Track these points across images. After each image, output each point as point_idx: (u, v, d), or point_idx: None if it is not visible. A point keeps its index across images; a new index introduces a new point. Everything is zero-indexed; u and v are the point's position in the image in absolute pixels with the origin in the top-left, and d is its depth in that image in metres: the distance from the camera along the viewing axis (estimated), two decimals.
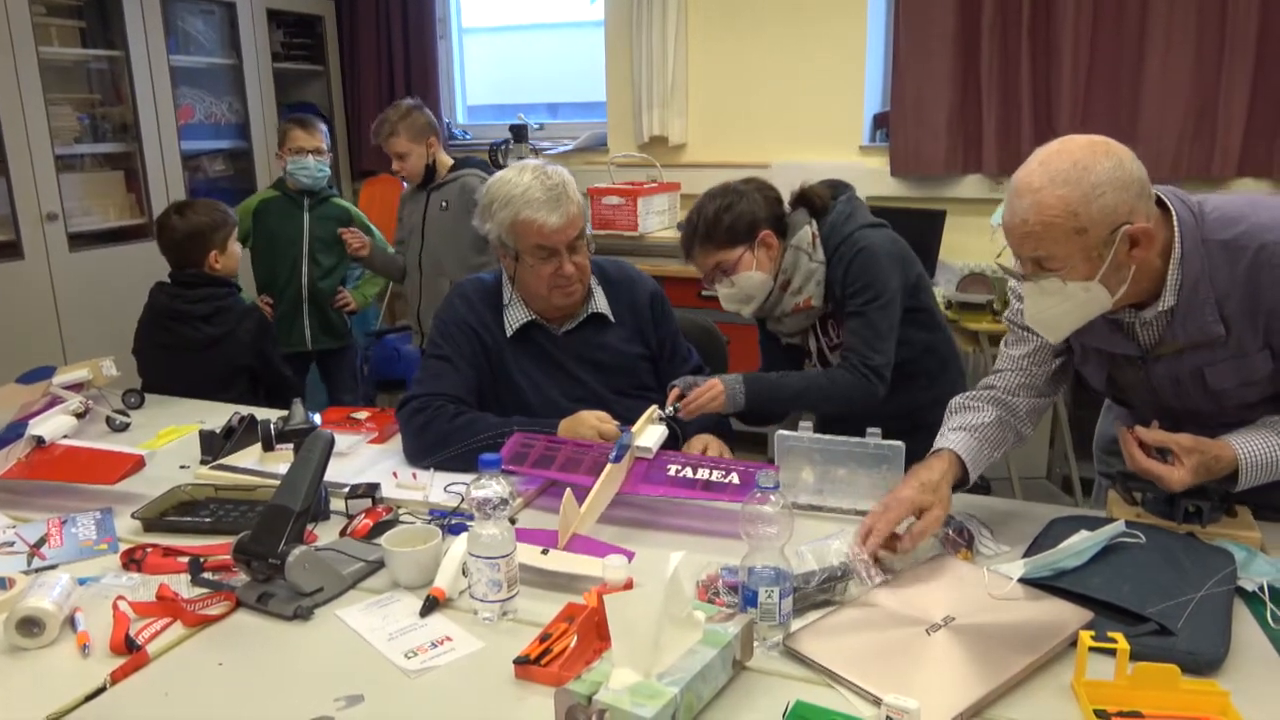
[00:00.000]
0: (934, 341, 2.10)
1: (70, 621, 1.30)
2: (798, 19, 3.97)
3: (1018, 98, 3.60)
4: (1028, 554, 1.42)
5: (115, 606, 1.31)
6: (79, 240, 3.87)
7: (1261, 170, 3.35)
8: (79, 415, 2.10)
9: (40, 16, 3.68)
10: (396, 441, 2.00)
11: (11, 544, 1.57)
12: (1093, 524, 1.43)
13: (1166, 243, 1.38)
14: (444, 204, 3.25)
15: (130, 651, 1.23)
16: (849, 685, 1.14)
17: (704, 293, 2.11)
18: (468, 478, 1.59)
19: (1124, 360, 1.53)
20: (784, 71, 4.04)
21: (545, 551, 1.43)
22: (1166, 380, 1.50)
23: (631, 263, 2.20)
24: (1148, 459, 1.42)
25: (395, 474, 1.81)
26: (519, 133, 4.35)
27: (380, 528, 1.57)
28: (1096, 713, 1.07)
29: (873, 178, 3.83)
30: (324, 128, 3.34)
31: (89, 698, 1.16)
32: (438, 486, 1.75)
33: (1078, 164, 1.31)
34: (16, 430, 1.92)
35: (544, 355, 1.99)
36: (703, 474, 1.64)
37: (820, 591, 1.32)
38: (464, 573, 1.36)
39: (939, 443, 1.56)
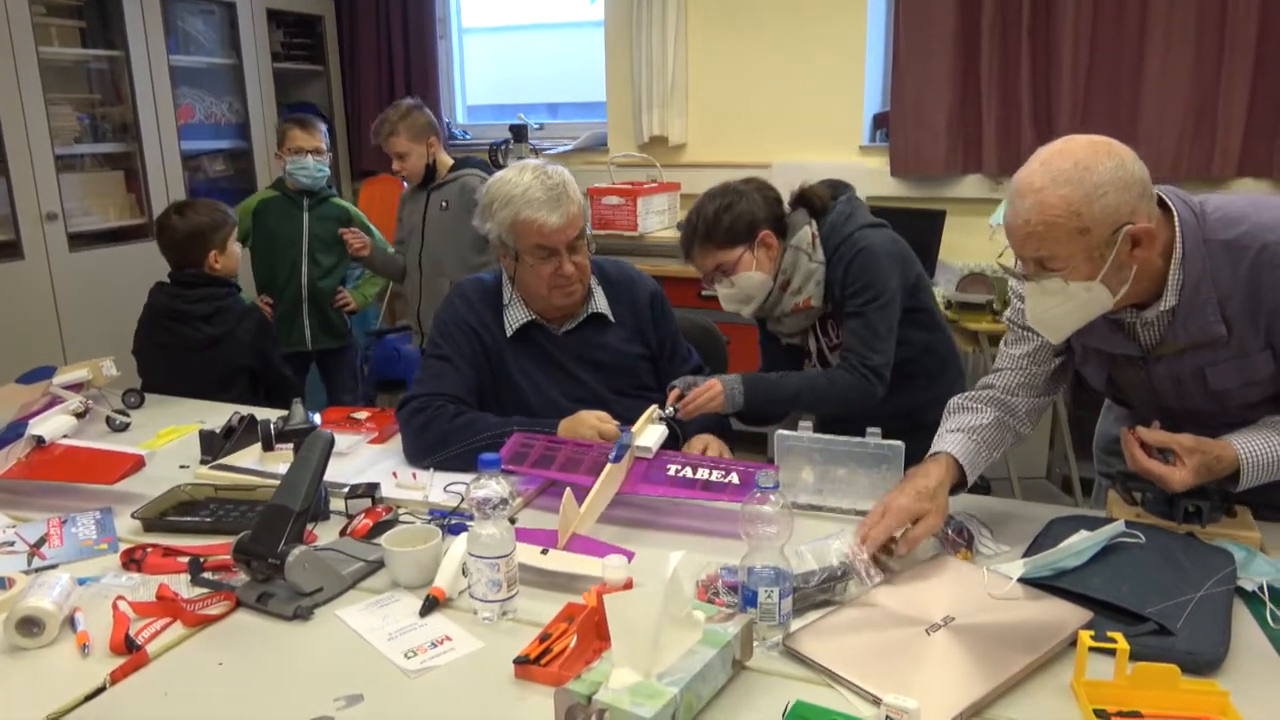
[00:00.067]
0: (934, 341, 2.10)
1: (70, 621, 1.30)
2: (798, 19, 3.97)
3: (1018, 98, 3.60)
4: (1027, 554, 1.42)
5: (115, 606, 1.31)
6: (79, 240, 3.87)
7: (1261, 170, 3.35)
8: (79, 415, 2.10)
9: (40, 16, 3.68)
10: (396, 441, 2.00)
11: (11, 544, 1.57)
12: (1092, 524, 1.43)
13: (1168, 243, 1.38)
14: (444, 204, 3.25)
15: (130, 651, 1.23)
16: (849, 685, 1.14)
17: (704, 293, 2.11)
18: (467, 478, 1.59)
19: (1125, 360, 1.53)
20: (784, 71, 4.04)
21: (545, 551, 1.43)
22: (1167, 380, 1.50)
23: (631, 263, 2.20)
24: (1149, 459, 1.42)
25: (395, 474, 1.81)
26: (519, 133, 4.35)
27: (380, 527, 1.57)
28: (1096, 712, 1.07)
29: (873, 178, 3.83)
30: (323, 128, 3.34)
31: (89, 697, 1.16)
32: (437, 486, 1.75)
33: (1080, 164, 1.31)
34: (16, 430, 1.92)
35: (544, 355, 1.99)
36: (702, 474, 1.64)
37: (820, 591, 1.32)
38: (464, 572, 1.36)
39: (936, 445, 1.56)
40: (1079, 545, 1.35)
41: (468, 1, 4.95)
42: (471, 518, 1.32)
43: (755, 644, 1.20)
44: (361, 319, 3.98)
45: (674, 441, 1.87)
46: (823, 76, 3.98)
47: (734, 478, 1.61)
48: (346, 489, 1.69)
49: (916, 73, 3.74)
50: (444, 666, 1.21)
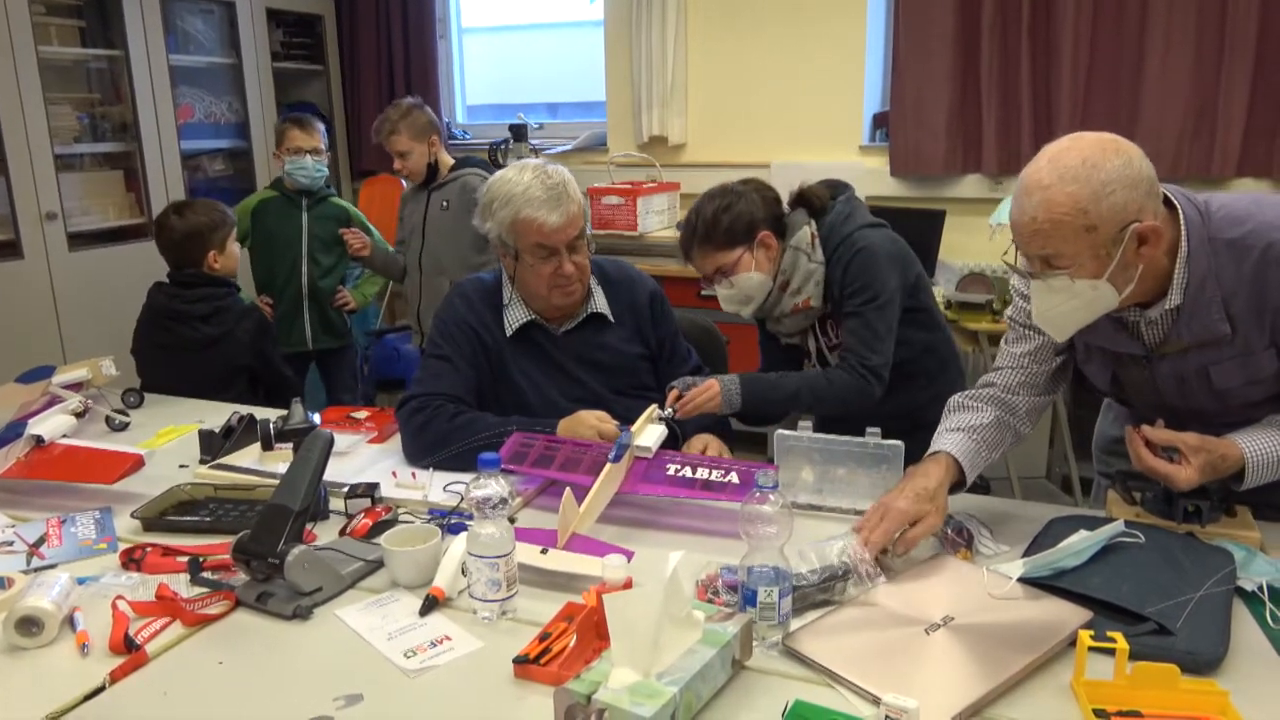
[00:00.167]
0: (933, 341, 2.10)
1: (69, 621, 1.30)
2: (798, 19, 3.97)
3: (1018, 98, 3.60)
4: (1027, 554, 1.42)
5: (114, 606, 1.31)
6: (78, 240, 3.87)
7: (1261, 170, 3.35)
8: (78, 415, 2.10)
9: (40, 16, 3.68)
10: (396, 441, 2.00)
11: (11, 543, 1.57)
12: (1092, 524, 1.43)
13: (1173, 241, 1.38)
14: (444, 203, 3.25)
15: (129, 651, 1.23)
16: (848, 685, 1.14)
17: (704, 292, 2.11)
18: (467, 477, 1.59)
19: (1128, 359, 1.53)
20: (784, 71, 4.04)
21: (544, 551, 1.43)
22: (1171, 379, 1.50)
23: (631, 262, 2.20)
24: (1155, 458, 1.42)
25: (394, 473, 1.81)
26: (519, 132, 4.35)
27: (379, 527, 1.57)
28: (1096, 712, 1.07)
29: (872, 178, 3.83)
30: (321, 127, 3.34)
31: (88, 697, 1.15)
32: (437, 486, 1.75)
33: (1087, 161, 1.30)
34: (16, 430, 1.92)
35: (543, 355, 1.99)
36: (702, 474, 1.64)
37: (820, 591, 1.32)
38: (463, 572, 1.36)
39: (936, 444, 1.56)
40: (1078, 545, 1.35)
41: (468, 1, 4.95)
42: (471, 517, 1.32)
43: (755, 643, 1.20)
44: (361, 319, 3.98)
45: (673, 441, 1.87)
46: (823, 76, 3.98)
47: (734, 477, 1.61)
48: (346, 488, 1.69)
49: (916, 73, 3.74)
50: (443, 666, 1.21)
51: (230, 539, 1.40)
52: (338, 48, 4.97)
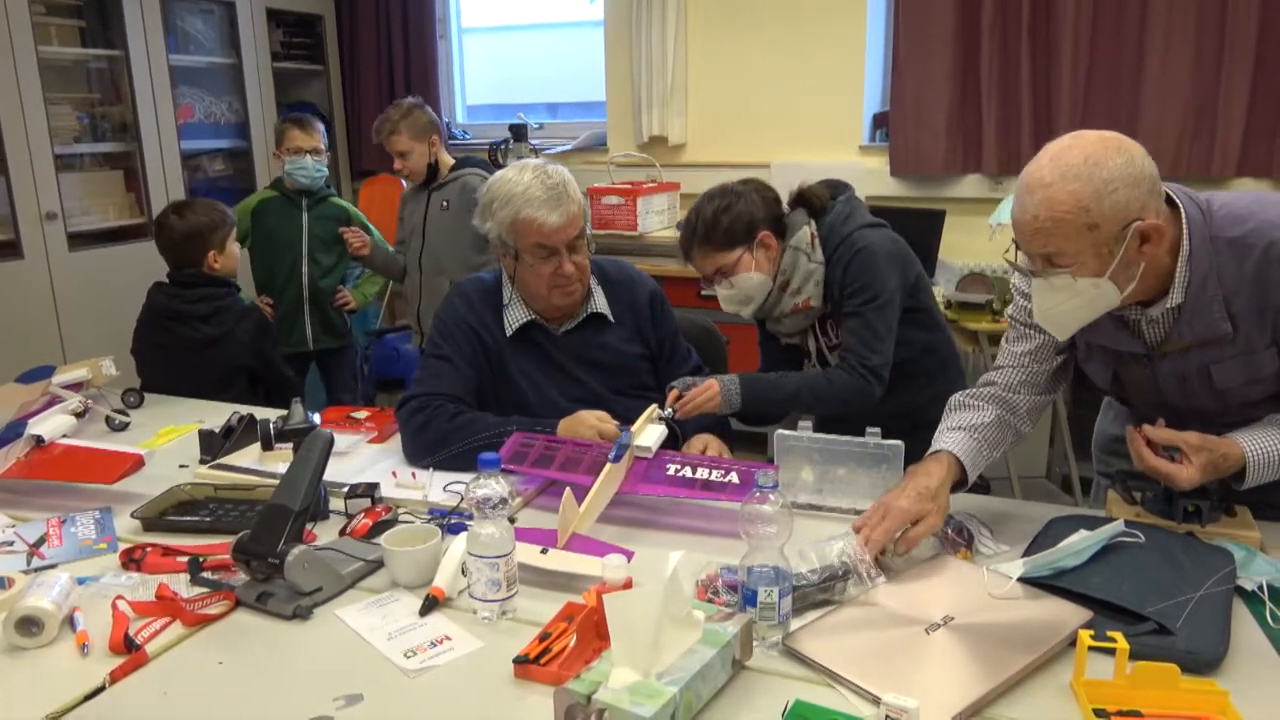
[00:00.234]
0: (933, 341, 2.10)
1: (69, 621, 1.30)
2: (798, 19, 3.97)
3: (1018, 98, 3.60)
4: (1027, 553, 1.42)
5: (114, 606, 1.31)
6: (78, 240, 3.87)
7: (1261, 170, 3.35)
8: (78, 415, 2.10)
9: (40, 16, 3.68)
10: (396, 441, 2.00)
11: (11, 543, 1.57)
12: (1092, 523, 1.42)
13: (1175, 240, 1.38)
14: (445, 203, 3.25)
15: (129, 651, 1.23)
16: (848, 685, 1.14)
17: (704, 292, 2.11)
18: (467, 477, 1.59)
19: (1130, 358, 1.52)
20: (784, 71, 4.04)
21: (544, 551, 1.43)
22: (1172, 378, 1.50)
23: (631, 262, 2.20)
24: (1156, 458, 1.42)
25: (394, 473, 1.81)
26: (519, 132, 4.35)
27: (379, 527, 1.57)
28: (1096, 712, 1.07)
29: (872, 178, 3.83)
30: (321, 127, 3.34)
31: (88, 697, 1.16)
32: (437, 486, 1.75)
33: (1090, 159, 1.30)
34: (16, 430, 1.92)
35: (543, 355, 1.99)
36: (702, 473, 1.64)
37: (820, 591, 1.32)
38: (463, 572, 1.36)
39: (938, 442, 1.56)
40: (1079, 545, 1.35)
41: (468, 1, 4.95)
42: (471, 517, 1.32)
43: (755, 643, 1.20)
44: (361, 318, 3.98)
45: (673, 441, 1.87)
46: (823, 76, 3.98)
47: (734, 477, 1.61)
48: (346, 488, 1.69)
49: (916, 73, 3.74)
50: (443, 666, 1.21)
51: (230, 539, 1.40)
52: (338, 48, 4.97)
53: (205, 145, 4.47)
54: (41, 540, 1.57)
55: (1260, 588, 1.31)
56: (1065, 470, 3.45)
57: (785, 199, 2.08)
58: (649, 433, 1.74)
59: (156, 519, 1.65)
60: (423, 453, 1.86)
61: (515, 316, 1.98)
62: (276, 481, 1.46)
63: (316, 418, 1.95)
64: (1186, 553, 1.37)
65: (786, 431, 1.72)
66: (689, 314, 2.38)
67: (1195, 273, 1.38)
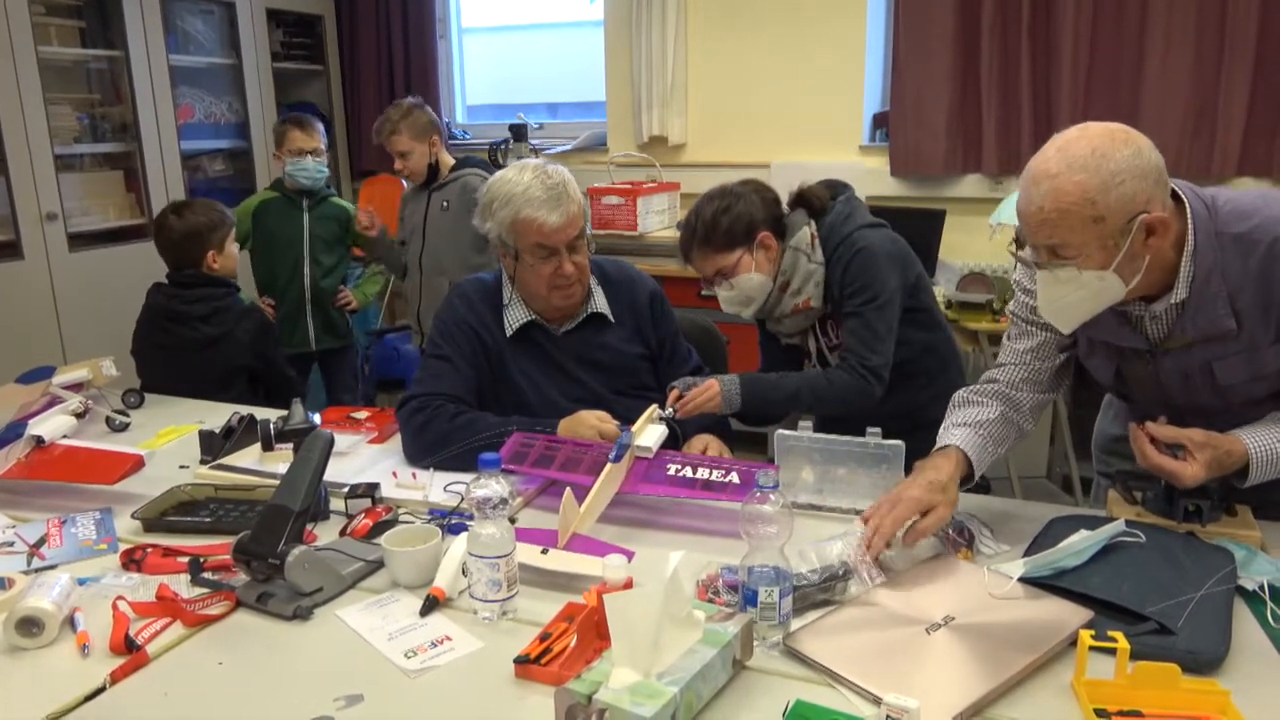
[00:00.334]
0: (934, 341, 2.10)
1: (70, 621, 1.30)
2: (798, 19, 3.97)
3: (1018, 98, 3.60)
4: (1028, 553, 1.41)
5: (115, 606, 1.31)
6: (79, 240, 3.87)
7: (1261, 170, 3.35)
8: (79, 415, 2.10)
9: (40, 16, 3.68)
10: (396, 441, 1.99)
11: (11, 544, 1.57)
12: (1093, 523, 1.42)
13: (1180, 235, 1.37)
14: (445, 204, 3.25)
15: (130, 651, 1.23)
16: (849, 685, 1.14)
17: (704, 292, 2.11)
18: (467, 477, 1.59)
19: (1132, 354, 1.52)
20: (784, 71, 4.04)
21: (545, 551, 1.43)
22: (1175, 375, 1.50)
23: (631, 262, 2.20)
24: (1160, 455, 1.42)
25: (395, 474, 1.81)
26: (519, 132, 4.35)
27: (380, 527, 1.57)
28: (1097, 712, 1.07)
29: (872, 178, 3.83)
30: (321, 127, 3.34)
31: (89, 698, 1.15)
32: (437, 486, 1.75)
33: (1096, 151, 1.29)
34: (16, 430, 1.92)
35: (544, 355, 1.99)
36: (702, 473, 1.64)
37: (820, 591, 1.32)
38: (464, 572, 1.36)
39: (944, 438, 1.56)
40: (1079, 544, 1.35)
41: (468, 1, 4.95)
42: (471, 517, 1.32)
43: (755, 643, 1.20)
44: (362, 319, 3.98)
45: (674, 441, 1.87)
46: (823, 76, 3.98)
47: (734, 477, 1.61)
48: (346, 489, 1.69)
49: (916, 72, 3.74)
50: (444, 666, 1.21)
51: (231, 539, 1.40)
52: (338, 48, 4.97)
53: (205, 145, 4.47)
54: (42, 541, 1.57)
55: (1261, 587, 1.31)
56: (1066, 470, 3.45)
57: (785, 199, 2.08)
58: (649, 433, 1.74)
59: (157, 519, 1.65)
60: (423, 453, 1.86)
61: (515, 316, 1.98)
62: (277, 482, 1.46)
63: (317, 418, 1.95)
64: (1187, 552, 1.37)
65: (787, 431, 1.72)
66: (689, 314, 2.38)
67: (1200, 268, 1.37)
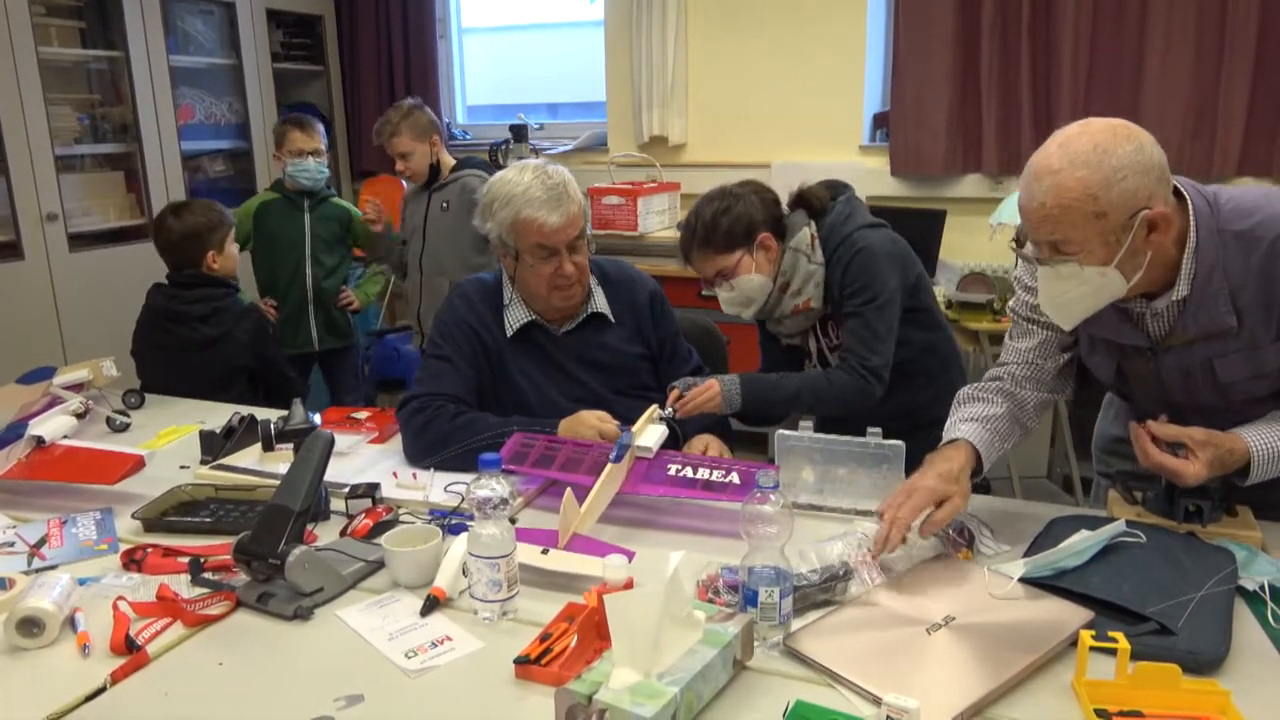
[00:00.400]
0: (934, 341, 2.09)
1: (70, 622, 1.30)
2: (798, 19, 3.97)
3: (1018, 98, 3.60)
4: (1028, 553, 1.41)
5: (115, 607, 1.31)
6: (79, 240, 3.87)
7: (1261, 169, 3.35)
8: (79, 415, 2.10)
9: (40, 17, 3.68)
10: (396, 441, 1.99)
11: (11, 544, 1.57)
12: (1093, 523, 1.42)
13: (1182, 231, 1.37)
14: (445, 204, 3.25)
15: (130, 651, 1.23)
16: (849, 685, 1.14)
17: (704, 293, 2.11)
18: (468, 478, 1.59)
19: (1133, 351, 1.52)
20: (784, 71, 4.04)
21: (545, 551, 1.43)
22: (1175, 372, 1.49)
23: (631, 263, 2.20)
24: (1162, 454, 1.42)
25: (395, 474, 1.81)
26: (519, 133, 4.35)
27: (380, 528, 1.57)
28: (1097, 712, 1.07)
29: (873, 178, 3.83)
30: (321, 128, 3.34)
31: (89, 698, 1.16)
32: (438, 486, 1.75)
33: (1098, 147, 1.29)
34: (16, 430, 1.92)
35: (544, 355, 1.99)
36: (703, 474, 1.64)
37: (821, 591, 1.32)
38: (464, 572, 1.36)
39: (952, 433, 1.55)
40: (1080, 545, 1.35)
41: (468, 1, 4.95)
42: (472, 518, 1.32)
43: (756, 644, 1.20)
44: (362, 319, 3.98)
45: (674, 442, 1.87)
46: (823, 76, 3.98)
47: (734, 477, 1.61)
48: (347, 489, 1.69)
49: (916, 72, 3.74)
50: (444, 666, 1.21)
51: (231, 540, 1.40)
52: (338, 48, 4.97)
53: (206, 146, 4.47)
54: (42, 541, 1.57)
55: (1262, 588, 1.31)
56: (1066, 470, 3.44)
57: (785, 200, 2.07)
58: (650, 433, 1.74)
59: (157, 520, 1.65)
60: (423, 453, 1.86)
61: (516, 317, 1.98)
62: (277, 482, 1.46)
63: (317, 418, 1.95)
64: (1188, 553, 1.36)
65: (787, 432, 1.72)
66: (689, 314, 2.38)
67: (1201, 265, 1.37)
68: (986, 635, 1.20)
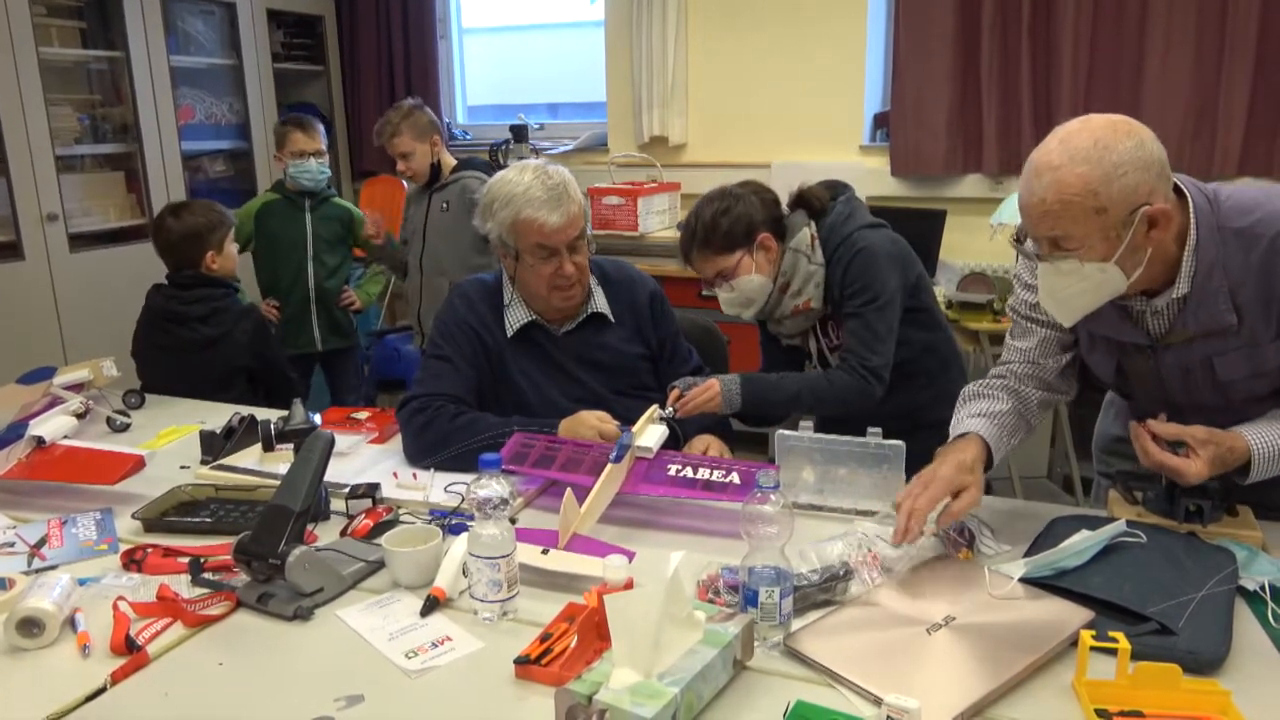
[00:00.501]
0: (934, 341, 2.09)
1: (70, 622, 1.30)
2: (798, 19, 3.97)
3: (1018, 98, 3.60)
4: (1028, 553, 1.41)
5: (115, 607, 1.31)
6: (79, 241, 3.87)
7: (1262, 169, 3.34)
8: (79, 415, 2.10)
9: (40, 17, 3.68)
10: (396, 441, 1.99)
11: (12, 544, 1.57)
12: (1094, 523, 1.42)
13: (1182, 228, 1.37)
14: (445, 205, 3.25)
15: (130, 652, 1.23)
16: (849, 685, 1.13)
17: (704, 293, 2.11)
18: (468, 478, 1.59)
19: (1133, 349, 1.52)
20: (784, 71, 4.04)
21: (545, 551, 1.43)
22: (1175, 370, 1.49)
23: (631, 263, 2.20)
24: (1162, 452, 1.41)
25: (395, 474, 1.81)
26: (519, 133, 4.35)
27: (380, 528, 1.57)
28: (1098, 712, 1.07)
29: (873, 178, 3.83)
30: (322, 128, 3.34)
31: (89, 698, 1.16)
32: (438, 486, 1.75)
33: (1099, 142, 1.29)
34: (17, 430, 1.92)
35: (544, 355, 1.99)
36: (703, 474, 1.64)
37: (821, 591, 1.32)
38: (464, 573, 1.36)
39: (961, 428, 1.55)
40: (1080, 545, 1.35)
41: (468, 1, 4.95)
42: (472, 518, 1.32)
43: (756, 644, 1.20)
44: (363, 319, 3.98)
45: (675, 442, 1.87)
46: (823, 76, 3.98)
47: (735, 478, 1.61)
48: (347, 489, 1.69)
49: (916, 72, 3.74)
50: (444, 666, 1.21)
51: (231, 540, 1.40)
52: (338, 48, 4.97)
53: (206, 146, 4.48)
54: (42, 541, 1.57)
55: (1262, 588, 1.31)
56: (1066, 470, 3.44)
57: (785, 200, 2.07)
58: (650, 433, 1.74)
59: (157, 520, 1.65)
60: (424, 453, 1.86)
61: (516, 317, 1.98)
62: (277, 482, 1.46)
63: (317, 418, 1.95)
64: (1188, 553, 1.36)
65: (787, 432, 1.72)
66: (690, 314, 2.38)
67: (1201, 262, 1.37)
68: (987, 635, 1.20)
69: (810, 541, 1.43)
